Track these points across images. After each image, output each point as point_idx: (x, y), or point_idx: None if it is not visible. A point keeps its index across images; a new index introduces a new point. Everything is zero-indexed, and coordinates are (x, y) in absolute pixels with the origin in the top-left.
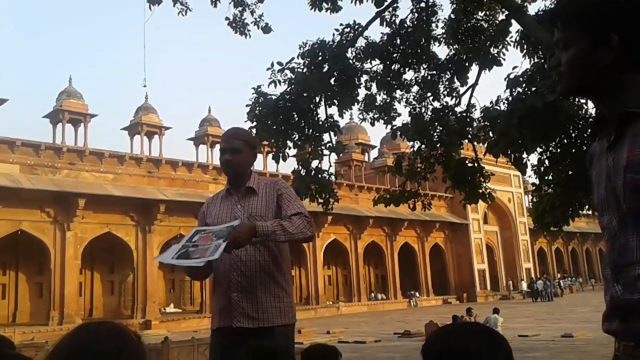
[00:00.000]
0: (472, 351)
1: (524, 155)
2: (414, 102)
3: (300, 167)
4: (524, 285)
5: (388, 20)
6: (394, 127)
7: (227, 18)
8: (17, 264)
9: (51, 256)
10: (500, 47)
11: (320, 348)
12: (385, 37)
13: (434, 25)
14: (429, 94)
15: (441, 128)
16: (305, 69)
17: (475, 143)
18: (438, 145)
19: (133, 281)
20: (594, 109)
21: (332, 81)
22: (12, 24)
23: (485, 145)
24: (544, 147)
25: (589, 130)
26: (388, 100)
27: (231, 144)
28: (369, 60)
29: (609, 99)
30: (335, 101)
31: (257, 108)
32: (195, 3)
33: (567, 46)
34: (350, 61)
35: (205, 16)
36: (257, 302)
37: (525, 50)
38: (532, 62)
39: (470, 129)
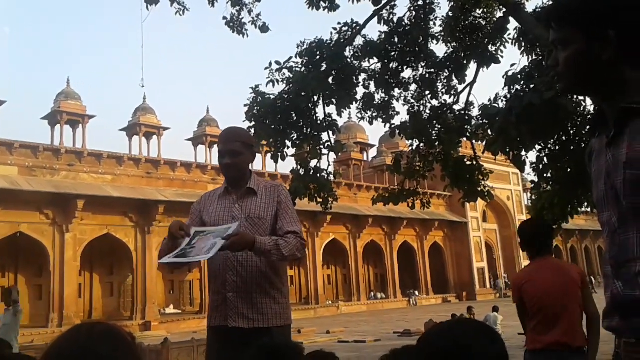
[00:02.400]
0: (467, 347)
1: (523, 153)
2: (412, 101)
3: (299, 167)
4: (501, 283)
5: (386, 18)
6: (393, 126)
7: (224, 17)
8: (17, 266)
9: (50, 258)
10: (498, 44)
11: (318, 355)
12: (383, 36)
13: (431, 23)
14: (427, 92)
15: (440, 126)
16: (303, 68)
17: (473, 141)
18: (437, 144)
19: (132, 282)
20: (593, 106)
21: (330, 80)
22: (9, 25)
23: (484, 143)
24: (542, 144)
25: (588, 127)
26: (386, 99)
27: (230, 147)
28: (367, 59)
29: (609, 96)
30: (334, 100)
31: (256, 108)
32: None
33: (563, 46)
34: (348, 60)
35: (202, 16)
36: (253, 304)
37: (523, 48)
38: (530, 59)
39: (469, 126)
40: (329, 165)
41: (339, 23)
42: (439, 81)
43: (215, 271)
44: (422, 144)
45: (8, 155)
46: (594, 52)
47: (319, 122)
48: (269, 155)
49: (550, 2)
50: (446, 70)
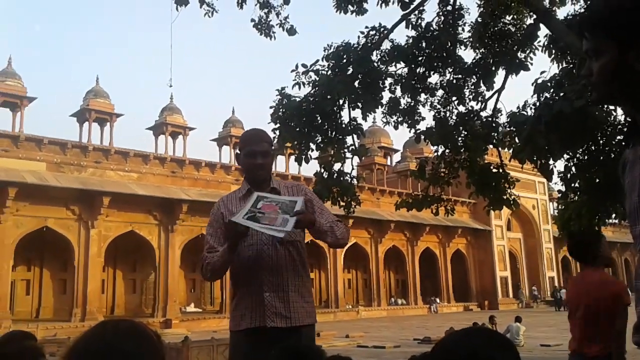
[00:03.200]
0: (484, 358)
1: (551, 162)
2: (438, 106)
3: (322, 170)
4: (522, 294)
5: (414, 23)
6: (418, 131)
7: (252, 20)
8: (42, 261)
9: (75, 253)
10: (527, 51)
11: None
12: (410, 40)
13: (460, 28)
14: (454, 98)
15: (466, 133)
16: (329, 72)
17: (500, 148)
18: (462, 150)
19: (154, 280)
20: (624, 116)
21: (356, 84)
22: (40, 23)
23: (511, 151)
24: (571, 153)
25: (619, 137)
26: (412, 104)
27: (262, 147)
28: (393, 63)
29: None
30: (359, 104)
31: (281, 110)
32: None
33: (597, 55)
34: (375, 64)
35: (231, 18)
36: (289, 302)
37: (553, 55)
38: (561, 67)
39: (496, 134)
40: (352, 169)
41: (366, 27)
42: (466, 87)
43: (247, 269)
44: (447, 150)
45: (37, 151)
46: (628, 61)
47: (343, 125)
48: (292, 157)
49: (583, 10)
50: (474, 77)
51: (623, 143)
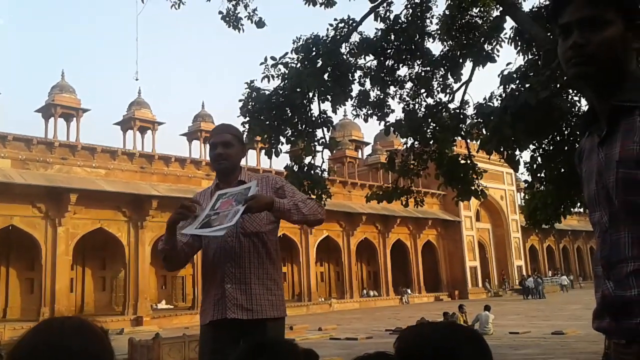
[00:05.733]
0: (447, 352)
1: (517, 152)
2: (407, 99)
3: (293, 163)
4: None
5: (382, 15)
6: (388, 124)
7: (220, 12)
8: (8, 260)
9: (42, 252)
10: (494, 43)
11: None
12: (379, 33)
13: (428, 21)
14: (422, 90)
15: (434, 125)
16: (298, 64)
17: (468, 140)
18: (431, 142)
19: (125, 277)
20: (587, 106)
21: (325, 76)
22: (2, 18)
23: (478, 142)
24: (536, 144)
25: (579, 126)
26: (382, 97)
27: (222, 138)
28: (362, 56)
29: (608, 90)
30: (329, 97)
31: (250, 103)
32: None
33: (601, 25)
34: (344, 56)
35: (198, 10)
36: (251, 294)
37: (519, 47)
38: (526, 58)
39: (464, 125)
40: (323, 162)
41: (335, 19)
42: (434, 79)
43: (211, 262)
44: (416, 142)
45: (1, 147)
46: (627, 39)
47: (313, 118)
48: (263, 151)
49: (547, 3)
50: (442, 69)
51: (580, 131)
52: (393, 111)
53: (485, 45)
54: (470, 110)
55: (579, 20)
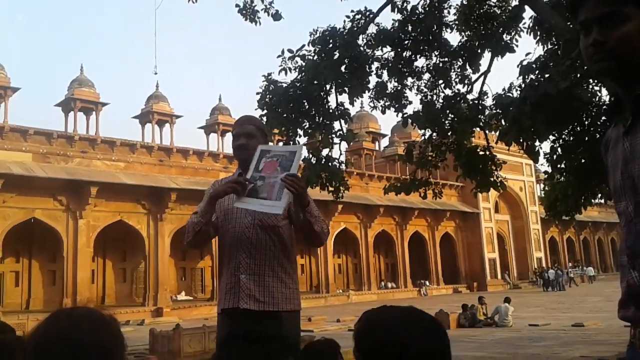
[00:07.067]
0: (402, 342)
1: (537, 143)
2: (425, 90)
3: (310, 155)
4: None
5: (399, 6)
6: (405, 115)
7: (237, 5)
8: (31, 252)
9: (64, 244)
10: (513, 33)
11: (318, 346)
12: (396, 24)
13: (445, 11)
14: (440, 82)
15: (452, 116)
16: (315, 56)
17: (487, 131)
18: (449, 133)
19: (145, 269)
20: (608, 97)
21: (342, 68)
22: (23, 13)
23: (497, 133)
24: (556, 135)
25: (604, 118)
26: (399, 88)
27: (245, 129)
28: (380, 47)
29: (632, 82)
30: (346, 89)
31: (268, 96)
32: None
33: (621, 20)
34: (361, 48)
35: (216, 3)
36: (265, 286)
37: (538, 37)
38: (546, 48)
39: (482, 116)
40: (340, 154)
41: (352, 11)
42: (452, 70)
43: (228, 251)
44: (434, 134)
45: (22, 141)
46: None
47: (331, 110)
48: (280, 143)
49: None
50: (460, 60)
51: (606, 122)
52: (411, 102)
53: (504, 35)
54: (489, 101)
55: (597, 17)
